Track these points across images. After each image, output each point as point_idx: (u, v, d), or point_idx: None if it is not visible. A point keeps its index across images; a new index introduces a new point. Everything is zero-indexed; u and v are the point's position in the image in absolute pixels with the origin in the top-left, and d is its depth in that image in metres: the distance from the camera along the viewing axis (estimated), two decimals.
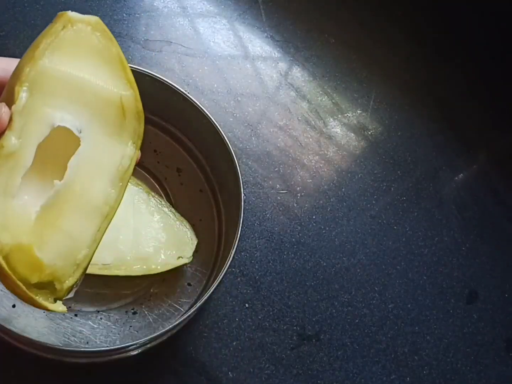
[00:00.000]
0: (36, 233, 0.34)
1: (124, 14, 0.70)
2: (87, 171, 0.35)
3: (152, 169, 0.56)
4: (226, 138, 0.51)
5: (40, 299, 0.33)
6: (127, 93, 0.36)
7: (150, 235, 0.51)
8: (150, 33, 0.70)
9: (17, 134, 0.32)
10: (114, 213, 0.36)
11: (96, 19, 0.35)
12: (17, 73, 0.33)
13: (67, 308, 0.47)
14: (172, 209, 0.53)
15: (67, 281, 0.35)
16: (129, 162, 0.36)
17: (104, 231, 0.36)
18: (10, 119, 0.32)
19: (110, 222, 0.36)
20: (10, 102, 0.32)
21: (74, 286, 0.36)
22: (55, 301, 0.35)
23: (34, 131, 0.33)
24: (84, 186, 0.35)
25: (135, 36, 0.69)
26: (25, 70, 0.32)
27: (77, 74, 0.35)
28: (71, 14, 0.34)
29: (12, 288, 0.33)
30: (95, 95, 0.35)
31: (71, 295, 0.36)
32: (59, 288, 0.35)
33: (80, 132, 0.35)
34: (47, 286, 0.34)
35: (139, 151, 0.37)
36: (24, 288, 0.32)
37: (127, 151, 0.36)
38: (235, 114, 0.66)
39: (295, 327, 0.54)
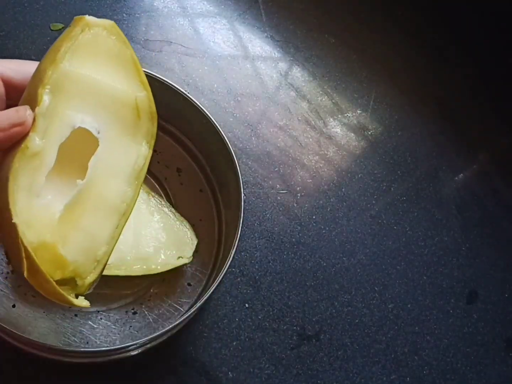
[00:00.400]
0: (60, 232, 0.35)
1: (124, 14, 0.70)
2: (105, 171, 0.36)
3: (152, 169, 0.56)
4: (226, 138, 0.51)
5: (66, 294, 0.34)
6: (141, 95, 0.37)
7: (150, 235, 0.51)
8: (150, 33, 0.70)
9: (41, 135, 0.33)
10: (131, 211, 0.38)
11: (112, 23, 0.36)
12: (39, 76, 0.34)
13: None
14: (172, 209, 0.53)
15: (88, 277, 0.36)
16: (143, 161, 0.38)
17: (122, 228, 0.37)
18: (34, 121, 0.33)
19: (127, 219, 0.38)
20: (32, 104, 0.33)
21: (95, 282, 0.37)
22: (76, 297, 0.36)
23: (56, 132, 0.34)
24: (103, 185, 0.36)
25: (135, 36, 0.69)
26: (47, 73, 0.33)
27: (95, 76, 0.36)
28: (89, 18, 0.35)
29: (40, 284, 0.34)
30: (112, 97, 0.36)
31: (90, 290, 0.37)
32: (81, 284, 0.36)
33: (99, 133, 0.36)
34: (69, 283, 0.36)
35: (152, 150, 0.38)
36: (54, 283, 0.33)
37: (141, 151, 0.38)
38: (235, 114, 0.66)
39: (295, 327, 0.54)
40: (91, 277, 0.36)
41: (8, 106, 0.35)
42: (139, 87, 0.37)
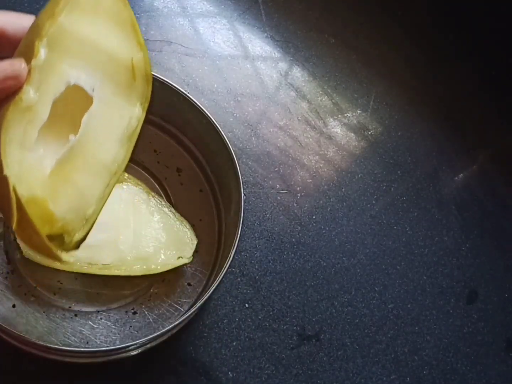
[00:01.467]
0: (50, 187, 0.34)
1: None
2: (98, 130, 0.36)
3: (152, 169, 0.56)
4: (226, 138, 0.51)
5: (56, 250, 0.34)
6: (138, 56, 0.37)
7: (150, 235, 0.51)
8: (150, 33, 0.70)
9: (35, 88, 0.33)
10: (122, 171, 0.37)
11: None
12: (36, 29, 0.33)
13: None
14: (172, 209, 0.53)
15: (76, 235, 0.36)
16: (136, 122, 0.37)
17: (112, 189, 0.37)
18: (29, 73, 0.32)
19: (117, 180, 0.37)
20: (28, 57, 0.33)
21: (82, 240, 0.37)
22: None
23: (51, 87, 0.34)
24: (95, 144, 0.36)
25: None
26: (45, 26, 0.33)
27: (93, 34, 0.35)
28: None
29: (29, 237, 0.33)
30: (108, 55, 0.36)
31: (77, 249, 0.37)
32: (68, 241, 0.36)
33: (93, 91, 0.36)
34: (57, 239, 0.35)
35: (145, 113, 0.38)
36: (43, 236, 0.33)
37: (135, 112, 0.37)
38: (235, 114, 0.66)
39: (295, 327, 0.54)
40: (79, 235, 0.36)
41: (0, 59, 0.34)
42: (136, 48, 0.37)
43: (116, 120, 0.37)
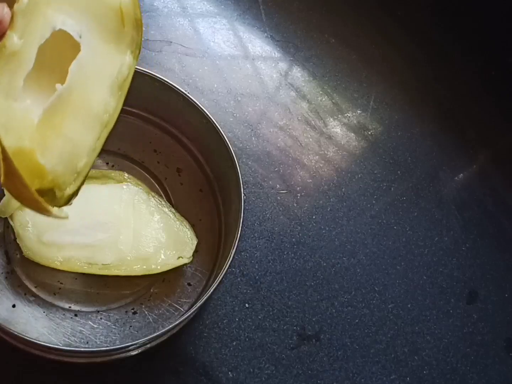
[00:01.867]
0: (39, 138, 0.33)
1: None
2: (87, 78, 0.35)
3: (152, 169, 0.56)
4: (226, 138, 0.51)
5: (44, 203, 0.32)
6: (126, 0, 0.36)
7: (150, 235, 0.51)
8: (150, 33, 0.70)
9: (19, 34, 0.31)
10: (113, 123, 0.36)
11: None
12: None
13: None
14: (172, 209, 0.53)
15: (67, 189, 0.35)
16: (127, 71, 0.36)
17: (104, 141, 0.36)
18: (12, 19, 0.31)
19: (109, 132, 0.36)
20: (11, 2, 0.31)
21: (74, 195, 0.35)
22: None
23: (35, 32, 0.32)
24: (84, 93, 0.34)
25: None
26: None
27: None
28: None
29: (18, 191, 0.32)
30: (95, 0, 0.35)
31: (70, 204, 0.35)
32: (60, 195, 0.34)
33: (80, 38, 0.34)
34: (47, 193, 0.34)
35: (137, 60, 0.37)
36: (31, 188, 0.31)
37: (126, 60, 0.36)
38: (235, 114, 0.66)
39: (295, 327, 0.54)
40: (70, 189, 0.35)
41: None
42: None
43: (105, 68, 0.35)
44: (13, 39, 0.31)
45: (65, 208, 0.35)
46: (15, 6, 0.31)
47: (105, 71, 0.35)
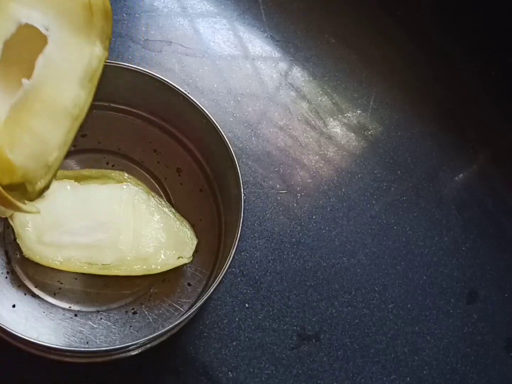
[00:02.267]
0: (6, 134, 0.33)
1: (124, 14, 0.70)
2: (55, 71, 0.34)
3: (152, 169, 0.56)
4: (226, 138, 0.51)
5: (14, 199, 0.32)
6: None
7: (150, 235, 0.51)
8: (150, 33, 0.70)
9: None
10: (84, 115, 0.36)
11: None
12: None
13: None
14: (172, 209, 0.53)
15: (38, 183, 0.34)
16: (97, 63, 0.36)
17: (75, 134, 0.35)
18: None
19: (80, 124, 0.36)
20: None
21: (46, 188, 0.35)
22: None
23: (0, 28, 0.32)
24: (53, 87, 0.34)
25: (135, 36, 0.69)
26: None
27: None
28: None
29: None
30: None
31: (42, 197, 0.35)
32: (31, 190, 0.34)
33: (47, 31, 0.34)
34: (18, 188, 0.34)
35: (107, 52, 0.36)
36: (3, 191, 0.31)
37: (95, 51, 0.35)
38: (235, 114, 0.66)
39: (295, 327, 0.54)
40: (41, 183, 0.34)
41: None
42: None
43: (74, 61, 0.35)
44: None
45: (39, 203, 0.35)
46: None
47: (74, 63, 0.35)
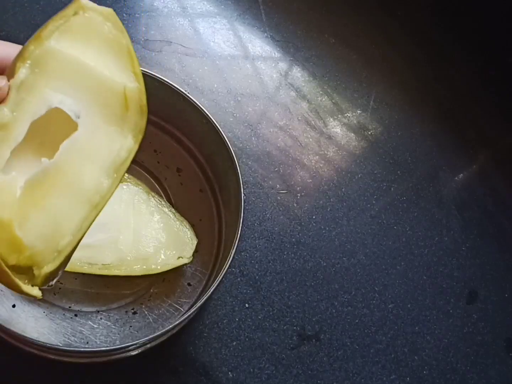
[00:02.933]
0: (19, 210, 0.32)
1: (124, 14, 0.70)
2: (80, 156, 0.34)
3: (152, 169, 0.56)
4: (226, 138, 0.51)
5: (17, 280, 0.32)
6: (132, 85, 0.36)
7: (150, 235, 0.51)
8: (150, 33, 0.70)
9: (11, 108, 0.32)
10: (104, 204, 0.35)
11: (110, 11, 0.35)
12: (21, 51, 0.33)
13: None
14: (172, 209, 0.53)
15: (45, 267, 0.34)
16: (126, 154, 0.36)
17: (92, 222, 0.35)
18: (7, 94, 0.32)
19: (99, 213, 0.35)
20: (10, 78, 0.32)
21: (54, 275, 0.35)
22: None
23: (30, 108, 0.33)
24: (75, 171, 0.34)
25: (135, 36, 0.69)
26: (29, 48, 0.33)
27: (83, 59, 0.34)
28: (84, 1, 0.34)
29: None
30: (99, 83, 0.35)
31: (50, 285, 0.35)
32: (37, 274, 0.33)
33: (79, 118, 0.34)
34: (25, 272, 0.33)
35: (138, 145, 0.37)
36: (3, 264, 0.31)
37: (126, 143, 0.36)
38: (235, 114, 0.66)
39: (295, 327, 0.54)
40: (48, 268, 0.34)
41: None
42: (131, 78, 0.36)
43: (102, 149, 0.35)
44: (3, 111, 0.32)
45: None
46: (11, 81, 0.32)
47: (102, 152, 0.35)
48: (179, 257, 0.50)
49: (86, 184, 0.34)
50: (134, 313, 0.49)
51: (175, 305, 0.50)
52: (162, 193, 0.55)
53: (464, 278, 0.62)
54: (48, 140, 0.35)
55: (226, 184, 0.53)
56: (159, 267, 0.50)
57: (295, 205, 0.62)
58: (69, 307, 0.48)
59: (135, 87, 0.36)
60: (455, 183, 0.69)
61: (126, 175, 0.54)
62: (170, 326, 0.43)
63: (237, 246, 0.45)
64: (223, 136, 0.51)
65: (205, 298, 0.44)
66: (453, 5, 0.83)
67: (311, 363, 0.53)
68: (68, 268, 0.49)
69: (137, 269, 0.49)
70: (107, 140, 0.35)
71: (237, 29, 0.73)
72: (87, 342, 0.47)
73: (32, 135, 0.33)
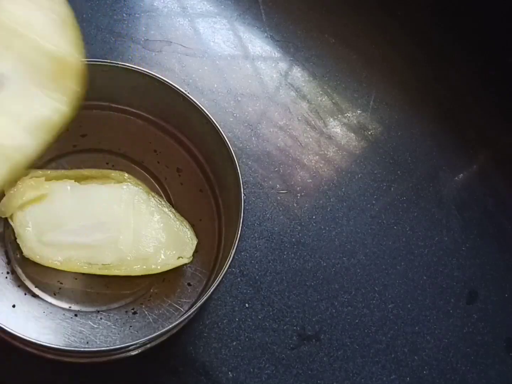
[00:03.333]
0: None
1: (124, 14, 0.70)
2: (3, 115, 0.35)
3: (152, 169, 0.56)
4: (226, 138, 0.51)
5: None
6: (67, 51, 0.36)
7: (150, 235, 0.51)
8: (150, 33, 0.70)
9: None
10: (26, 163, 0.35)
11: None
12: None
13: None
14: (172, 209, 0.53)
15: None
16: (52, 114, 0.36)
17: (9, 177, 0.35)
18: None
19: (18, 171, 0.35)
20: None
21: None
22: None
23: None
24: None
25: (135, 36, 0.69)
26: None
27: (19, 23, 0.34)
28: None
29: None
30: (33, 47, 0.35)
31: None
32: None
33: (8, 79, 0.34)
34: None
35: (73, 111, 0.37)
36: None
37: (55, 105, 0.36)
38: (235, 114, 0.66)
39: (295, 327, 0.54)
40: None
41: None
42: (67, 44, 0.36)
43: (28, 109, 0.35)
44: None
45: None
46: None
47: (28, 111, 0.35)
48: (179, 257, 0.50)
49: (6, 142, 0.34)
50: (134, 313, 0.49)
51: (175, 305, 0.50)
52: (162, 193, 0.55)
53: (464, 278, 0.62)
54: None
55: (226, 184, 0.53)
56: (159, 267, 0.50)
57: (295, 205, 0.62)
58: (69, 307, 0.48)
59: (70, 52, 0.36)
60: (455, 183, 0.69)
61: (126, 175, 0.54)
62: (170, 326, 0.43)
63: (237, 246, 0.45)
64: (223, 136, 0.51)
65: (205, 298, 0.44)
66: (453, 5, 0.83)
67: (311, 363, 0.53)
68: (68, 268, 0.49)
69: (137, 269, 0.49)
70: (34, 100, 0.35)
71: (237, 29, 0.73)
72: (87, 342, 0.47)
73: None
